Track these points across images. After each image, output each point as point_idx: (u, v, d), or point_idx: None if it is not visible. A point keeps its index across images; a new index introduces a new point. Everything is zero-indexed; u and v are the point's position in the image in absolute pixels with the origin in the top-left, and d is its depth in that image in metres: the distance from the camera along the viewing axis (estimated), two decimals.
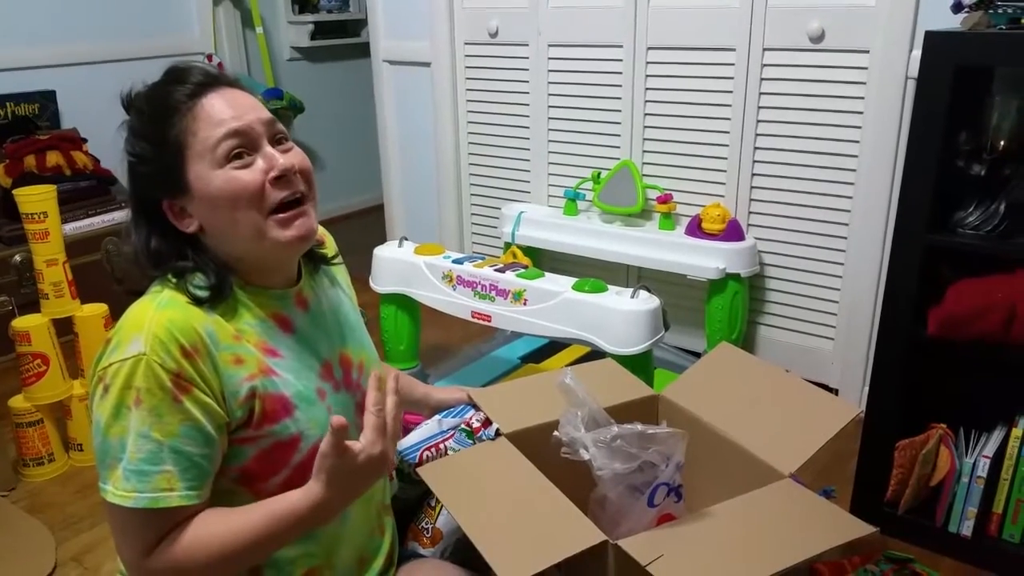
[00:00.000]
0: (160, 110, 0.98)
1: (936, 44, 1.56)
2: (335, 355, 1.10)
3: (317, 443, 0.97)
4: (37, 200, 2.11)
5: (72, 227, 2.91)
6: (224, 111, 0.96)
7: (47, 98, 3.24)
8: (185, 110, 0.97)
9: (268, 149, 0.98)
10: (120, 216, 3.11)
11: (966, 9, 1.64)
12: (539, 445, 1.24)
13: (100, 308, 2.21)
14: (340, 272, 1.23)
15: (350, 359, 1.13)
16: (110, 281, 3.14)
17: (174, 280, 0.98)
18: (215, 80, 0.99)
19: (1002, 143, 1.66)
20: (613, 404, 1.38)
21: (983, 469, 1.70)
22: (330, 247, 1.22)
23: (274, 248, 1.00)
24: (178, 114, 0.97)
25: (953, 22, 1.69)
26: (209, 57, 3.74)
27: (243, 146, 0.96)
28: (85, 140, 3.13)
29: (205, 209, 0.97)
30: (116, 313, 2.29)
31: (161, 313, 0.94)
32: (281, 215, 0.98)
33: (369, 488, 1.02)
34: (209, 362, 0.94)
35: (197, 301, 0.96)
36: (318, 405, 1.04)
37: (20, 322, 2.13)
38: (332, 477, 0.94)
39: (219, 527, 0.95)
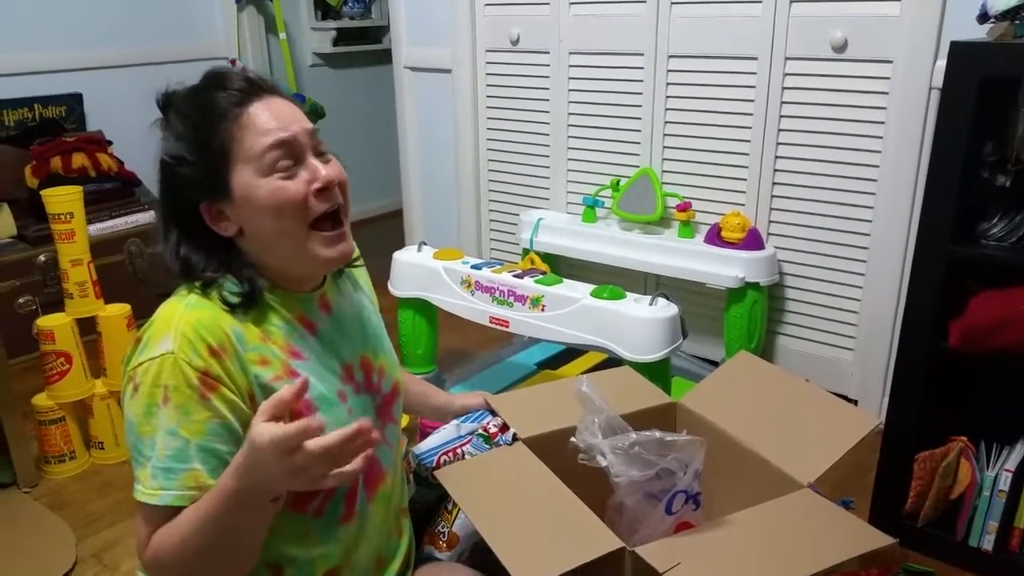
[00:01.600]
0: (205, 114, 0.98)
1: (961, 54, 1.55)
2: (356, 358, 1.11)
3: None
4: (64, 201, 2.14)
5: (96, 228, 2.95)
6: (270, 121, 0.97)
7: (74, 101, 3.28)
8: (232, 117, 0.97)
9: (311, 161, 0.99)
10: (144, 218, 3.14)
11: (992, 19, 1.63)
12: (556, 451, 1.24)
13: (123, 308, 2.23)
14: (362, 276, 1.24)
15: (371, 363, 1.13)
16: (133, 282, 3.19)
17: (200, 287, 0.99)
18: (259, 88, 1.00)
19: None
20: (631, 411, 1.38)
21: (1005, 483, 1.68)
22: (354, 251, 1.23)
23: (312, 262, 1.01)
24: (224, 120, 0.97)
25: (979, 32, 1.68)
26: (233, 62, 3.77)
27: (288, 157, 0.97)
28: (110, 142, 3.17)
29: (247, 215, 0.98)
30: (139, 313, 2.32)
31: (190, 313, 0.95)
32: (325, 233, 1.00)
33: (271, 481, 0.88)
34: (236, 362, 0.95)
35: (229, 307, 0.97)
36: (339, 407, 1.05)
37: (44, 321, 2.16)
38: (249, 444, 0.87)
39: (183, 516, 0.93)
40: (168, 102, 1.02)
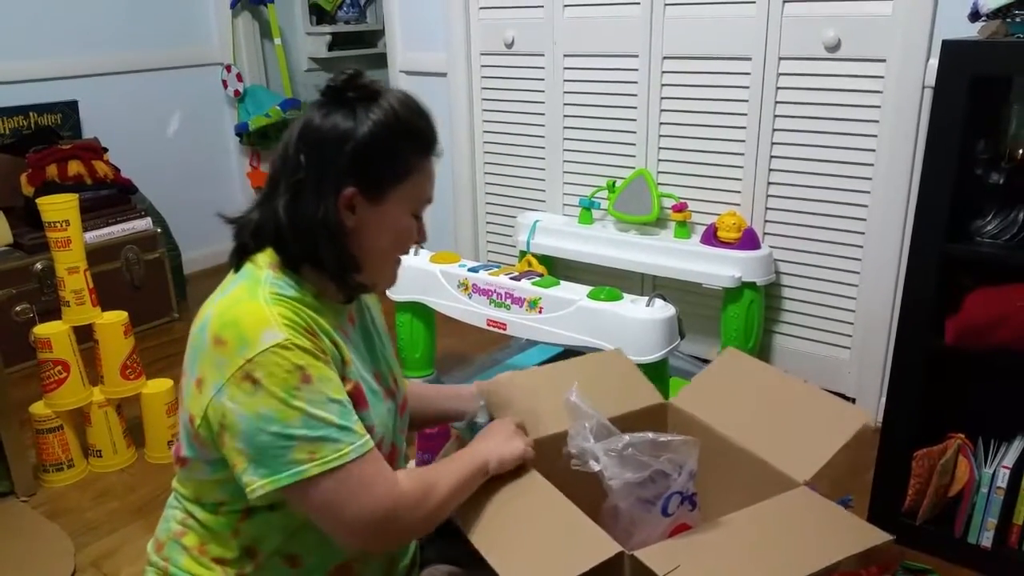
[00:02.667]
0: (414, 134, 1.06)
1: (953, 53, 1.56)
2: (380, 366, 1.18)
3: (379, 440, 1.07)
4: (60, 209, 2.14)
5: (92, 235, 2.95)
6: (433, 180, 1.12)
7: (69, 108, 3.28)
8: (426, 157, 1.08)
9: (423, 219, 1.13)
10: (141, 225, 3.15)
11: (983, 18, 1.63)
12: (549, 457, 1.24)
13: (120, 316, 2.23)
14: (373, 297, 1.29)
15: (388, 372, 1.20)
16: (130, 289, 3.20)
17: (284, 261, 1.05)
18: (437, 143, 1.12)
19: (1020, 152, 1.66)
20: (621, 413, 1.38)
21: (1003, 480, 1.68)
22: None
23: (376, 280, 1.13)
24: (421, 155, 1.07)
25: (970, 31, 1.68)
26: (228, 67, 3.78)
27: (422, 212, 1.12)
28: (106, 149, 3.17)
29: (374, 224, 1.06)
30: (136, 321, 2.32)
31: (271, 308, 0.99)
32: (396, 268, 1.15)
33: (499, 450, 1.16)
34: (323, 342, 1.02)
35: (335, 281, 1.07)
36: (382, 403, 1.13)
37: (41, 329, 2.15)
38: (503, 460, 1.15)
39: (445, 470, 1.10)
40: (373, 90, 1.05)
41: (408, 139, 1.05)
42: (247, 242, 1.08)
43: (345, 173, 1.02)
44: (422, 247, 1.20)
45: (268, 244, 1.06)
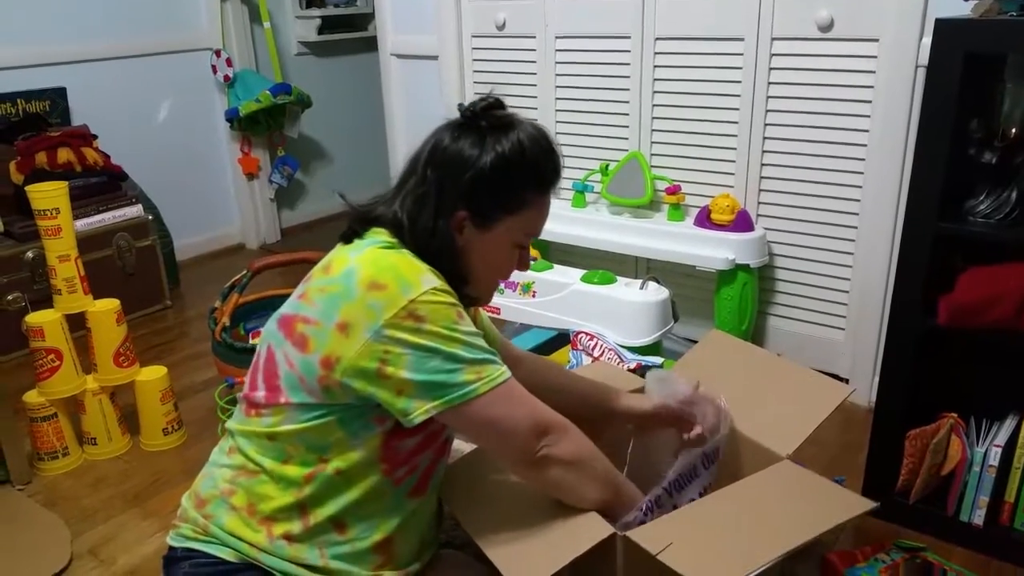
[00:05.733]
0: (532, 172, 1.14)
1: (946, 31, 1.55)
2: None
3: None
4: (49, 197, 2.12)
5: (83, 223, 2.93)
6: (547, 214, 1.20)
7: (57, 95, 3.26)
8: (540, 192, 1.16)
9: (527, 247, 1.23)
10: (132, 212, 3.13)
11: None
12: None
13: (112, 303, 2.22)
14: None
15: None
16: (122, 276, 3.18)
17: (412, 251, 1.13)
18: (559, 179, 1.20)
19: (1014, 131, 1.65)
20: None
21: (995, 458, 1.69)
22: None
23: (475, 296, 1.20)
24: (534, 190, 1.15)
25: (963, 9, 1.68)
26: (218, 52, 3.75)
27: (528, 242, 1.21)
28: (95, 136, 3.14)
29: (478, 248, 1.15)
30: (128, 308, 2.31)
31: (420, 264, 1.10)
32: (496, 289, 1.27)
33: None
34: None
35: (452, 286, 1.13)
36: None
37: (33, 318, 2.14)
38: None
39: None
40: (504, 122, 1.13)
41: (527, 175, 1.12)
42: (358, 229, 1.16)
43: (461, 197, 1.11)
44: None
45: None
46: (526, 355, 1.46)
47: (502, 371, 1.09)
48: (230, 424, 1.18)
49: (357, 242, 1.14)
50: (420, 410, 1.05)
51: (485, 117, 1.12)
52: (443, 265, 1.12)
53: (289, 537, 1.10)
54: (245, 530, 1.11)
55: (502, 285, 2.22)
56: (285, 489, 1.10)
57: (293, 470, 1.10)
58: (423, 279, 1.06)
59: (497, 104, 1.14)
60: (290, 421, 1.10)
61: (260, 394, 1.12)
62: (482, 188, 1.11)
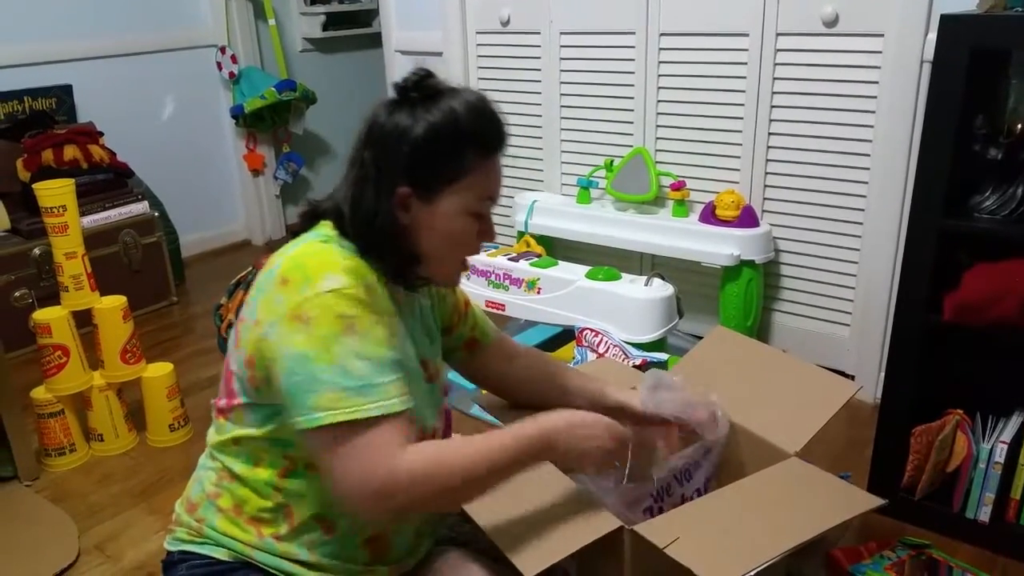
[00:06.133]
0: (468, 134, 1.06)
1: (952, 27, 1.54)
2: (425, 353, 1.19)
3: (411, 418, 1.05)
4: (56, 194, 2.13)
5: (90, 220, 2.94)
6: (497, 179, 1.12)
7: (63, 92, 3.26)
8: (483, 155, 1.08)
9: (490, 217, 1.14)
10: (138, 208, 3.14)
11: None
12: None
13: (119, 300, 2.23)
14: (443, 299, 1.30)
15: (432, 359, 1.21)
16: (128, 273, 3.19)
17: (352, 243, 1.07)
18: (504, 144, 1.13)
19: (1019, 127, 1.65)
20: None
21: (1000, 455, 1.69)
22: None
23: (439, 278, 1.16)
24: (477, 153, 1.07)
25: (969, 4, 1.67)
26: (223, 49, 3.75)
27: (486, 211, 1.12)
28: (101, 133, 3.15)
29: (429, 225, 1.08)
30: (134, 305, 2.32)
31: (346, 260, 1.03)
32: (462, 267, 1.17)
33: (574, 456, 1.13)
34: (381, 301, 1.05)
35: (390, 277, 1.09)
36: (423, 386, 1.14)
37: (41, 315, 2.15)
38: (575, 424, 1.11)
39: (473, 442, 1.04)
40: (436, 91, 1.07)
41: (463, 141, 1.06)
42: (305, 225, 1.13)
43: (401, 173, 1.05)
44: (491, 246, 1.18)
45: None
46: (525, 350, 1.44)
47: (360, 407, 0.96)
48: (207, 436, 1.17)
49: (311, 231, 1.11)
50: (293, 421, 0.98)
51: (416, 89, 1.06)
52: (390, 248, 1.07)
53: (278, 537, 1.10)
54: (236, 530, 1.10)
55: (506, 282, 2.22)
56: (263, 492, 1.09)
57: (265, 472, 1.09)
58: (327, 277, 0.99)
59: (427, 75, 1.08)
60: (248, 424, 1.08)
61: (223, 401, 1.12)
62: (419, 160, 1.05)
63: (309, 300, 0.97)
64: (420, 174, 1.06)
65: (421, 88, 1.06)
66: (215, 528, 1.12)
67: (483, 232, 1.13)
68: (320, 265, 1.01)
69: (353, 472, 0.97)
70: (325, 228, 1.10)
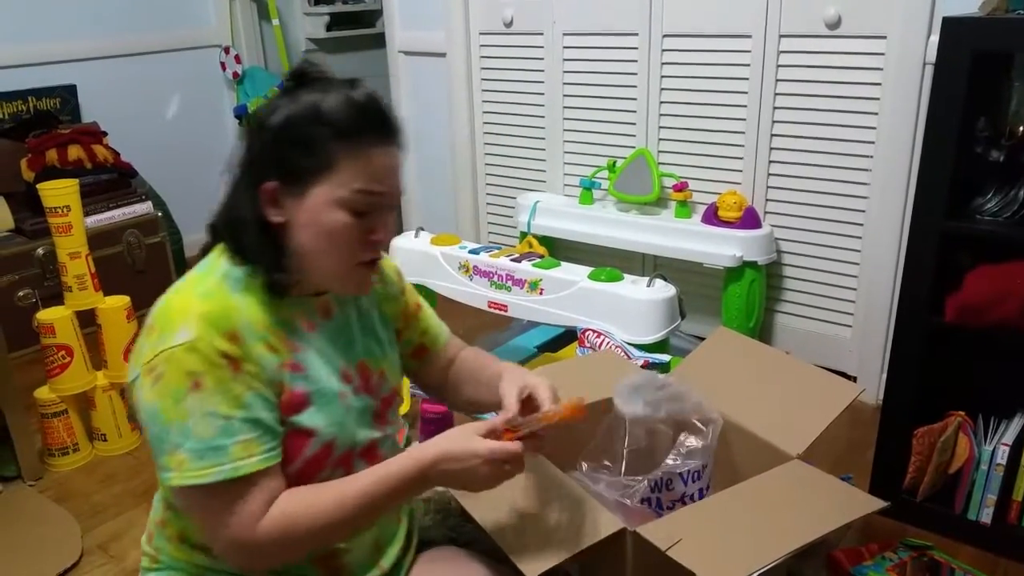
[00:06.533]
0: (336, 123, 0.99)
1: (954, 29, 1.55)
2: (354, 362, 1.12)
3: (330, 440, 1.02)
4: (60, 194, 2.14)
5: (93, 220, 2.95)
6: (378, 172, 1.00)
7: (68, 92, 3.27)
8: (355, 145, 0.99)
9: (380, 215, 1.02)
10: (142, 208, 3.15)
11: None
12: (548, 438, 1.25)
13: (122, 300, 2.23)
14: (388, 301, 1.23)
15: (369, 367, 1.14)
16: (132, 273, 3.19)
17: (231, 257, 1.02)
18: (393, 135, 1.03)
19: (1021, 129, 1.65)
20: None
21: (1002, 456, 1.69)
22: (388, 281, 1.23)
23: (331, 285, 1.06)
24: (348, 143, 0.98)
25: (971, 7, 1.67)
26: (227, 49, 3.76)
27: (367, 206, 1.00)
28: (105, 133, 3.16)
29: (303, 223, 1.00)
30: (138, 304, 2.32)
31: (201, 304, 0.97)
32: (358, 271, 1.05)
33: (470, 482, 1.02)
34: (248, 346, 0.97)
35: (269, 288, 1.01)
36: (337, 404, 1.06)
37: (44, 314, 2.16)
38: (445, 456, 0.99)
39: (326, 492, 0.99)
40: (307, 78, 1.02)
41: (326, 129, 0.98)
42: (208, 249, 1.07)
43: (265, 165, 0.99)
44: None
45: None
46: (461, 352, 1.35)
47: (206, 471, 0.93)
48: None
49: (202, 262, 1.05)
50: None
51: (293, 79, 1.02)
52: (267, 252, 1.00)
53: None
54: (188, 555, 1.09)
55: (509, 283, 2.22)
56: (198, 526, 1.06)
57: None
58: (180, 332, 0.93)
59: (303, 64, 1.02)
60: None
61: None
62: (280, 151, 0.98)
63: (161, 355, 0.94)
64: (285, 167, 0.99)
65: (296, 78, 1.02)
66: (169, 555, 1.11)
67: (370, 230, 1.02)
68: (178, 312, 0.96)
69: (217, 533, 0.97)
70: (215, 253, 1.04)
